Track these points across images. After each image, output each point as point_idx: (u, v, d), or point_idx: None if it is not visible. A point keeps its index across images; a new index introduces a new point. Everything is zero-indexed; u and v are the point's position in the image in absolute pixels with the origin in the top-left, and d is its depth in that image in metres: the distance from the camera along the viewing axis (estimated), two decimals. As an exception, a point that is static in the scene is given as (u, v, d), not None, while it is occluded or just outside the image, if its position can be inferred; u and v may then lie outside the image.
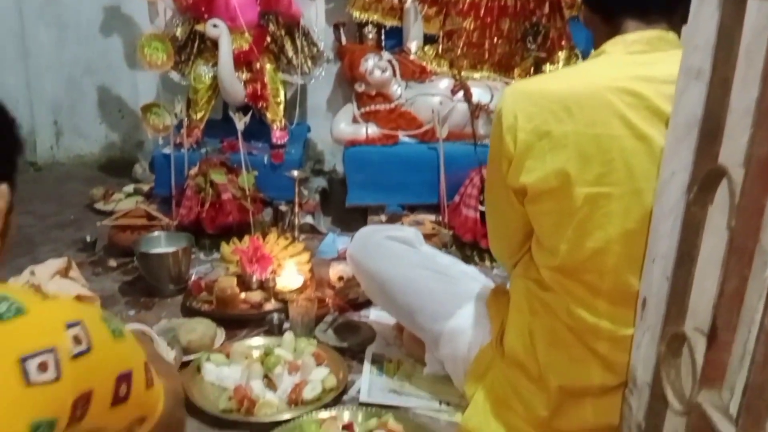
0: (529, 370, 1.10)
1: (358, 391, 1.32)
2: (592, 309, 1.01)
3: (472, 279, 1.36)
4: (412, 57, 2.27)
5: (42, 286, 1.41)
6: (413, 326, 1.35)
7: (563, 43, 2.25)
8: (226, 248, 1.82)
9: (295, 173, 2.03)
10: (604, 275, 1.00)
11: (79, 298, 1.44)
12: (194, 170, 2.03)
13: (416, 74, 2.22)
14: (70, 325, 0.51)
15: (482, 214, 1.82)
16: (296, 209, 2.08)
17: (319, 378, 1.30)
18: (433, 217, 2.10)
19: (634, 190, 0.95)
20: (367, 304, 1.70)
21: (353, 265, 1.45)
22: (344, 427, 1.14)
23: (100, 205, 2.36)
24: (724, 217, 0.64)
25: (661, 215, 0.81)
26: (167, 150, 2.13)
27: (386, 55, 2.23)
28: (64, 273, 1.48)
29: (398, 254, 1.39)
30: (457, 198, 2.01)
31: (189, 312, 1.62)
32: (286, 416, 1.19)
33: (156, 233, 1.84)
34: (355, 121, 2.21)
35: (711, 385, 0.64)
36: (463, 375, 1.24)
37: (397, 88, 2.19)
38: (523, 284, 1.13)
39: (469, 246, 1.94)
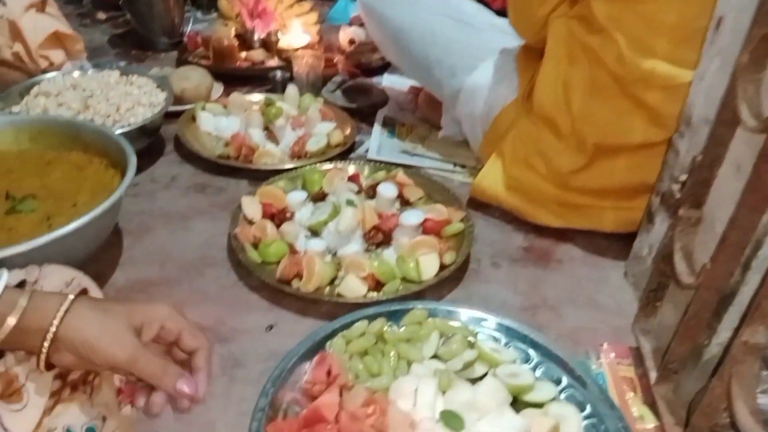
0: (558, 126, 0.97)
1: (366, 151, 1.22)
2: (647, 49, 0.86)
3: (501, 32, 1.18)
4: None
5: (16, 21, 1.25)
6: (430, 82, 1.20)
7: None
8: (224, 2, 1.61)
9: None
10: (670, 4, 0.82)
11: (57, 35, 1.29)
12: None
13: None
14: None
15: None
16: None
17: (325, 131, 1.19)
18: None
19: None
20: (380, 70, 1.55)
21: (365, 13, 1.27)
22: (349, 179, 1.06)
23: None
24: None
25: None
26: None
27: None
28: (41, 8, 1.31)
29: (417, -1, 1.20)
30: (488, -41, 1.75)
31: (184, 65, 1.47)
32: (288, 166, 1.10)
33: (145, -21, 1.62)
34: None
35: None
36: (482, 135, 1.12)
37: None
38: (565, 27, 0.96)
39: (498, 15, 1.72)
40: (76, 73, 1.19)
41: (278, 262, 0.87)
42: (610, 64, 0.90)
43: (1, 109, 1.09)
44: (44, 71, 1.25)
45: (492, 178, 1.05)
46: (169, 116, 1.18)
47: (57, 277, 0.64)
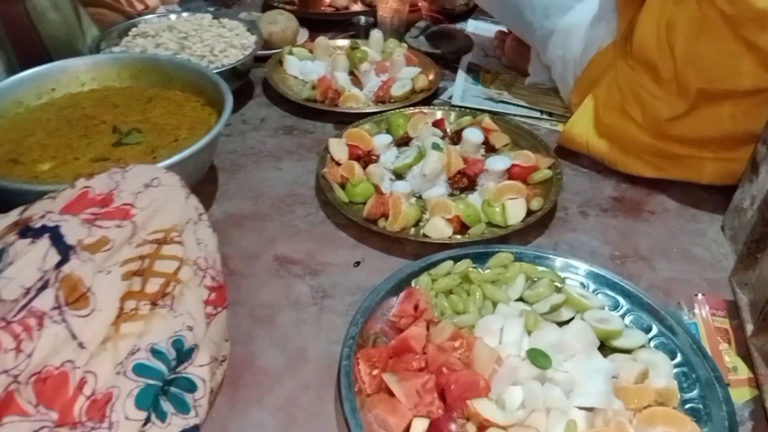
0: (659, 70, 0.93)
1: (450, 97, 1.21)
2: (762, -13, 0.80)
3: (600, -30, 1.12)
4: None
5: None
6: (520, 25, 1.16)
7: None
8: (309, -54, 1.61)
9: None
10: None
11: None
12: None
13: None
14: None
15: None
16: None
17: (409, 76, 1.18)
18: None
19: None
20: (464, 15, 1.51)
21: (455, -45, 1.23)
22: (434, 124, 1.05)
23: None
24: None
25: None
26: None
27: None
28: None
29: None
30: None
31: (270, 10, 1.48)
32: (373, 110, 1.10)
33: (232, -77, 1.64)
34: None
35: None
36: (573, 80, 1.09)
37: None
38: (673, -38, 0.90)
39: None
40: (172, 16, 1.23)
41: (365, 202, 0.88)
42: (720, 3, 0.84)
43: (103, 49, 1.14)
44: (139, 14, 1.30)
45: (583, 125, 1.02)
46: (257, 60, 1.20)
47: (137, 180, 0.61)
